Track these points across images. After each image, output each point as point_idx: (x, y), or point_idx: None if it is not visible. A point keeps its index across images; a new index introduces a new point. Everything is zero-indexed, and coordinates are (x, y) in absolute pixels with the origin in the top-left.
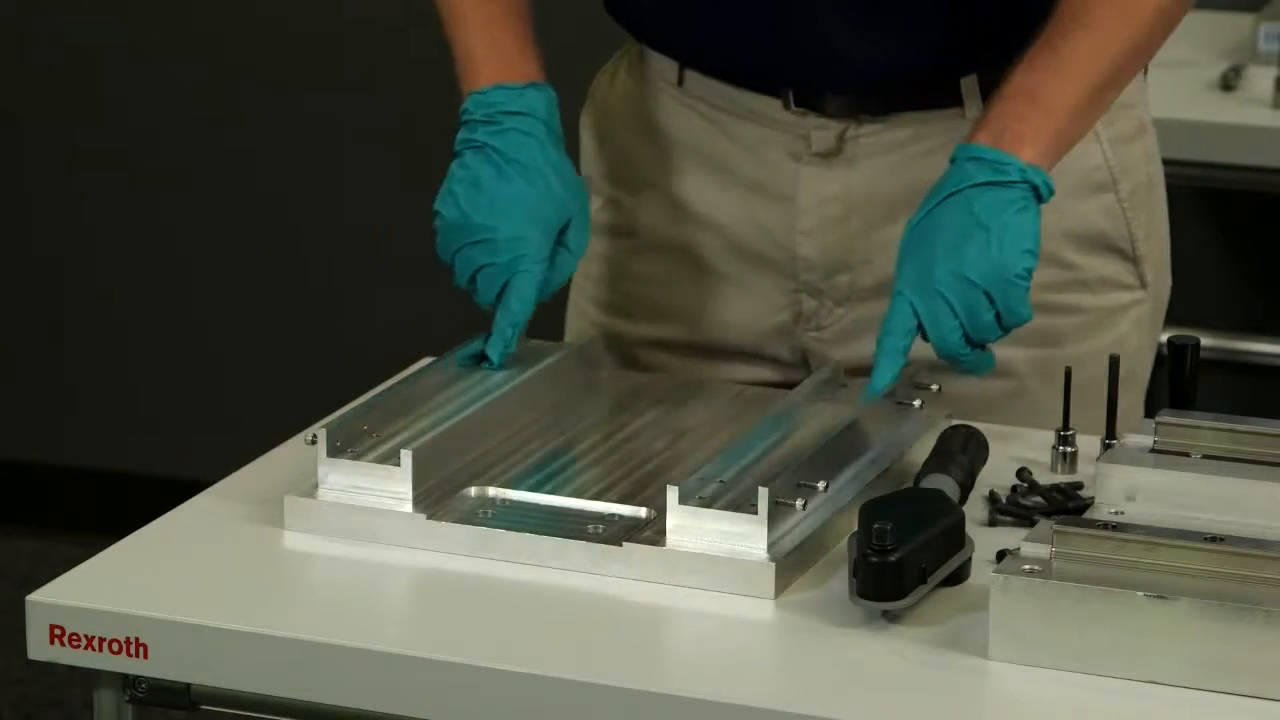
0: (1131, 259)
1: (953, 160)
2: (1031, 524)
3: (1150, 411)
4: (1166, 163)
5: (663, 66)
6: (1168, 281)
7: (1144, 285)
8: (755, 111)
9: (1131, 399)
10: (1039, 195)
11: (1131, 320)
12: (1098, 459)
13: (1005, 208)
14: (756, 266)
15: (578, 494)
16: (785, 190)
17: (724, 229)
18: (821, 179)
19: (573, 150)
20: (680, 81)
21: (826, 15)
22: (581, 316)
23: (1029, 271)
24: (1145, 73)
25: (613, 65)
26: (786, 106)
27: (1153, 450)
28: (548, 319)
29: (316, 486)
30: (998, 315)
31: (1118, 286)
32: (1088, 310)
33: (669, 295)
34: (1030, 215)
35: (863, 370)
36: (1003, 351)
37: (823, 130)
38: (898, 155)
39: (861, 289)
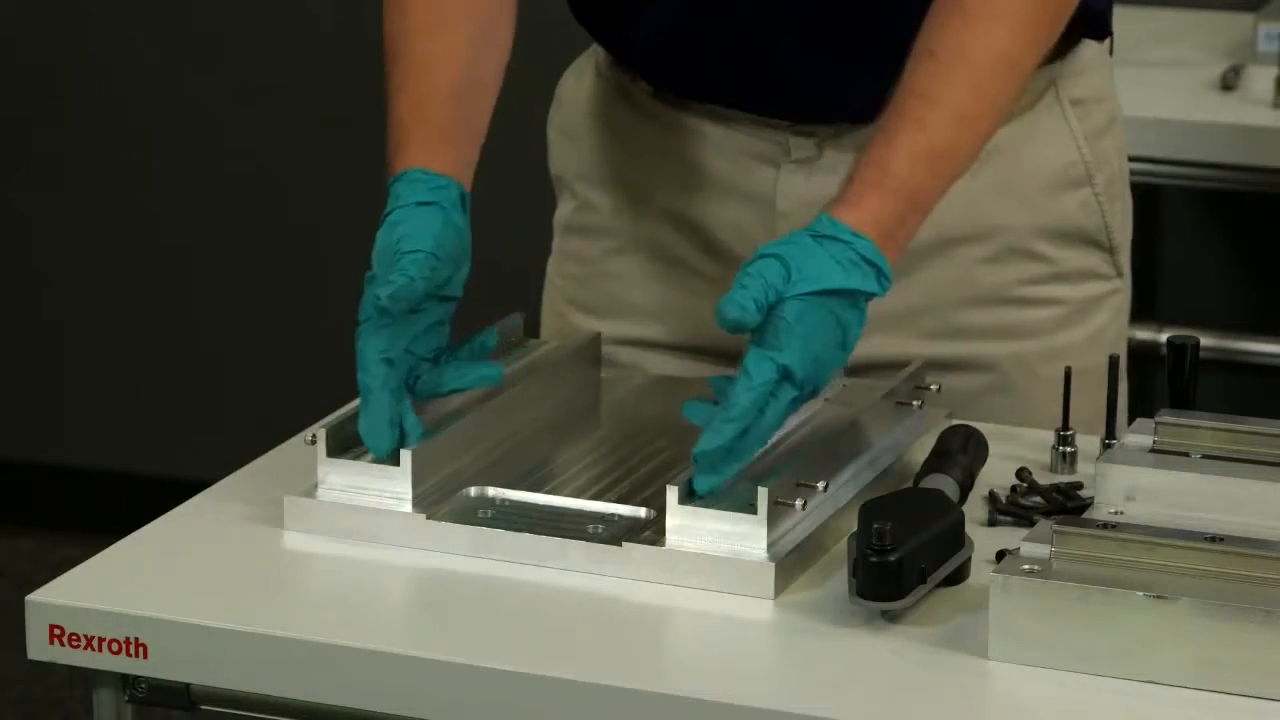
0: (1108, 249)
1: (847, 240)
2: (1031, 524)
3: (1150, 411)
4: (1167, 162)
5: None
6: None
7: (1120, 274)
8: (732, 120)
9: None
10: None
11: (1110, 309)
12: (1097, 459)
13: (856, 341)
14: (733, 266)
15: (578, 494)
16: (764, 193)
17: (700, 229)
18: (800, 184)
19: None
20: (655, 90)
21: (798, 62)
22: (557, 317)
23: None
24: (1110, 52)
25: (580, 65)
26: (762, 119)
27: (1152, 450)
28: (525, 321)
29: (316, 486)
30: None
31: (1095, 277)
32: (1066, 302)
33: (644, 295)
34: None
35: (851, 370)
36: (983, 346)
37: (802, 138)
38: None
39: None
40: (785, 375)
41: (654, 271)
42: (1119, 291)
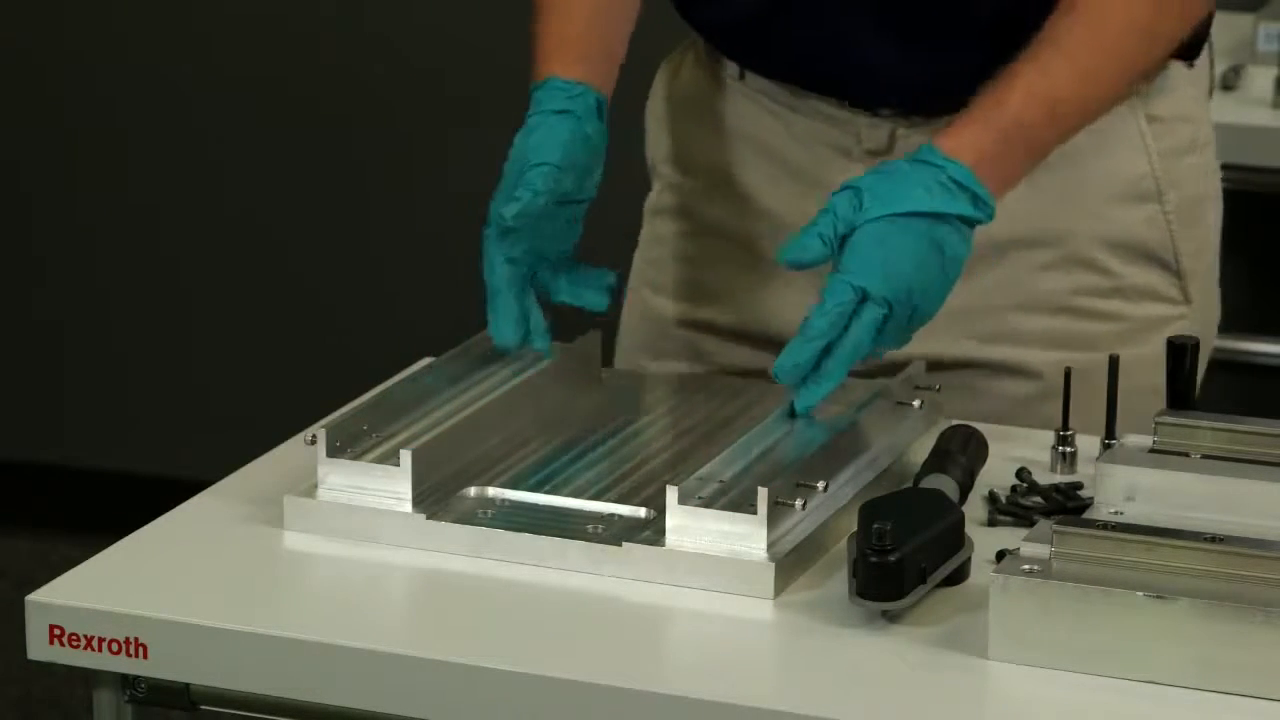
0: (1175, 272)
1: (938, 165)
2: (1031, 524)
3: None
4: None
5: (727, 60)
6: (1217, 304)
7: (1188, 301)
8: (812, 107)
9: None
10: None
11: (1172, 334)
12: (1097, 459)
13: (963, 259)
14: None
15: (578, 494)
16: (836, 183)
17: (777, 218)
18: None
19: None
20: (742, 75)
21: (869, 39)
22: (634, 296)
23: None
24: (1211, 88)
25: (678, 56)
26: (841, 105)
27: (1152, 450)
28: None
29: (316, 486)
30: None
31: (1158, 299)
32: (1125, 319)
33: (719, 279)
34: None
35: (900, 363)
36: (1032, 355)
37: (874, 129)
38: None
39: None
40: (864, 296)
41: (726, 255)
42: (1185, 318)
